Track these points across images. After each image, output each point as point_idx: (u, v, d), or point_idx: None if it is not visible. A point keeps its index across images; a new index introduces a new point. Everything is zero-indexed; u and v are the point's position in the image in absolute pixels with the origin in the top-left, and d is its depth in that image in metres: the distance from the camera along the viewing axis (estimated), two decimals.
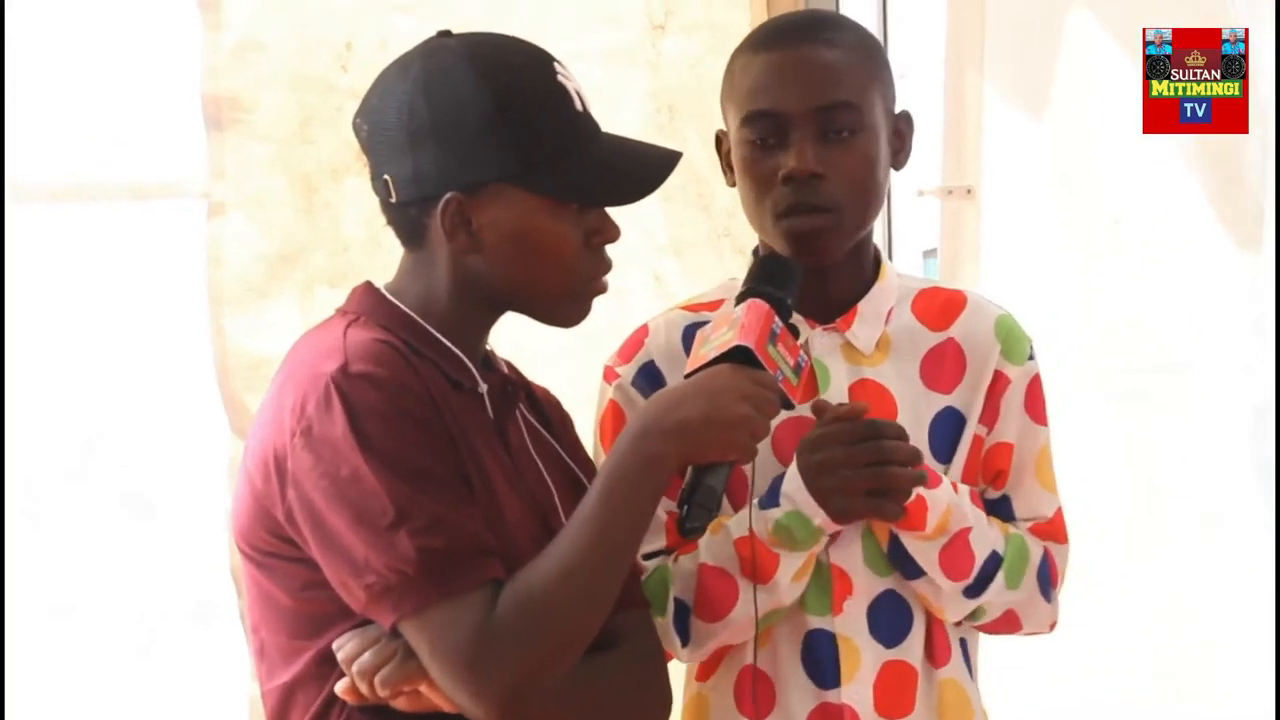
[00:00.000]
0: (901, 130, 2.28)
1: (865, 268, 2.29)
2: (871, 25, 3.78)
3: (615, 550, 1.94)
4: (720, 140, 2.31)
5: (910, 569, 2.23)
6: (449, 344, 2.03)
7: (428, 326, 2.03)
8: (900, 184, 3.56)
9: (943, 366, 2.28)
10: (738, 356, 1.99)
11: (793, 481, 2.16)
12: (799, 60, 2.20)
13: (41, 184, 3.22)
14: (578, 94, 2.04)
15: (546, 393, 2.22)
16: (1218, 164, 3.18)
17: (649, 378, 2.27)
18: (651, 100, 3.02)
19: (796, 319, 2.18)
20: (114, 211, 3.29)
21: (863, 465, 2.14)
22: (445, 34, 2.07)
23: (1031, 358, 2.32)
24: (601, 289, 2.07)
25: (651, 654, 2.10)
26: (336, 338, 1.97)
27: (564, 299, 2.05)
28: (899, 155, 2.28)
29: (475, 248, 2.01)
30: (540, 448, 2.11)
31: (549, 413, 2.19)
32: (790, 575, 2.18)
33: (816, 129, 2.18)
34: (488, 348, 2.11)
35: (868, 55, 2.24)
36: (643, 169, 2.07)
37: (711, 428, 1.95)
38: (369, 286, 2.08)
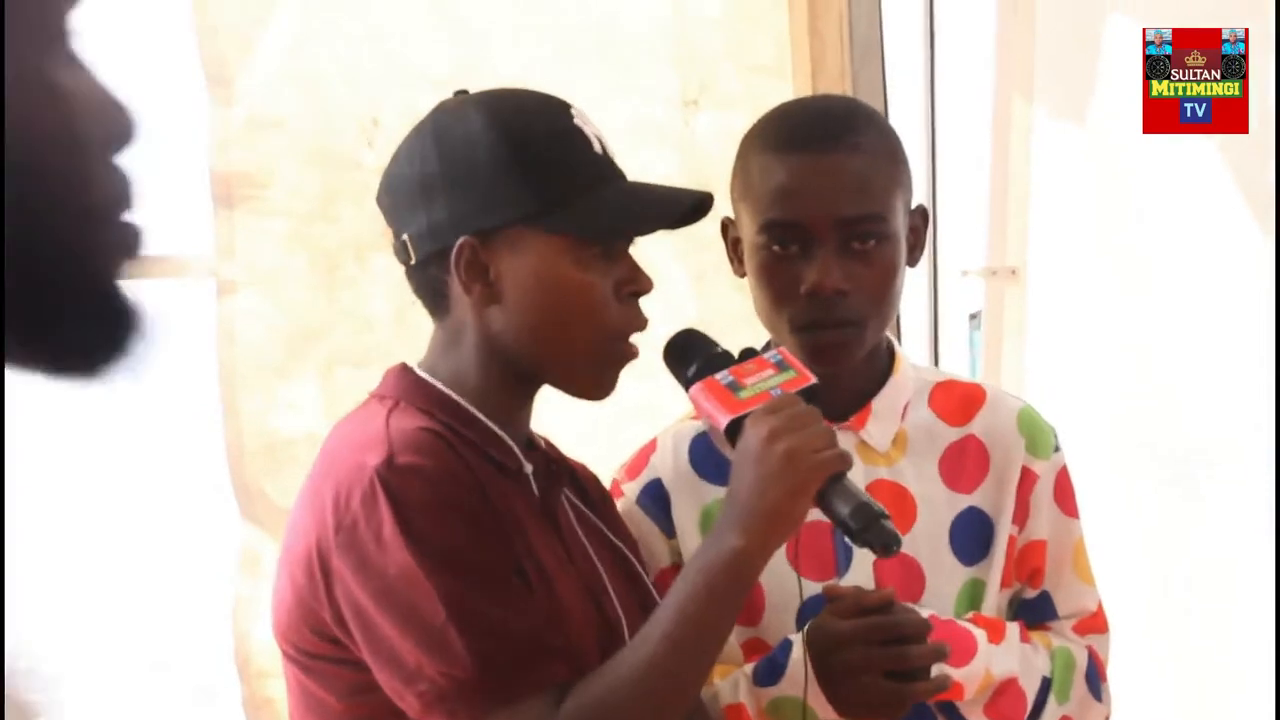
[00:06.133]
0: (917, 226, 2.15)
1: (878, 360, 2.17)
2: (918, 66, 3.66)
3: (695, 654, 1.81)
4: (726, 228, 2.16)
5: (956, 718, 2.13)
6: (491, 425, 1.91)
7: (469, 407, 1.91)
8: (944, 263, 3.50)
9: (964, 465, 2.16)
10: (733, 431, 1.87)
11: (799, 669, 2.02)
12: (824, 169, 2.06)
13: None
14: (597, 138, 1.94)
15: (585, 469, 2.11)
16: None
17: (655, 498, 2.16)
18: (685, 178, 2.91)
19: None
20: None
21: (885, 672, 1.99)
22: (461, 93, 1.97)
23: (1057, 449, 2.20)
24: (631, 353, 1.94)
25: None
26: (379, 427, 1.84)
27: (593, 358, 1.92)
28: (914, 252, 2.15)
29: (494, 298, 1.89)
30: (586, 528, 2.00)
31: (590, 490, 2.08)
32: None
33: (840, 240, 2.05)
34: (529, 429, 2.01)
35: (891, 156, 2.11)
36: (667, 201, 1.95)
37: (772, 483, 1.79)
38: (404, 368, 1.96)
